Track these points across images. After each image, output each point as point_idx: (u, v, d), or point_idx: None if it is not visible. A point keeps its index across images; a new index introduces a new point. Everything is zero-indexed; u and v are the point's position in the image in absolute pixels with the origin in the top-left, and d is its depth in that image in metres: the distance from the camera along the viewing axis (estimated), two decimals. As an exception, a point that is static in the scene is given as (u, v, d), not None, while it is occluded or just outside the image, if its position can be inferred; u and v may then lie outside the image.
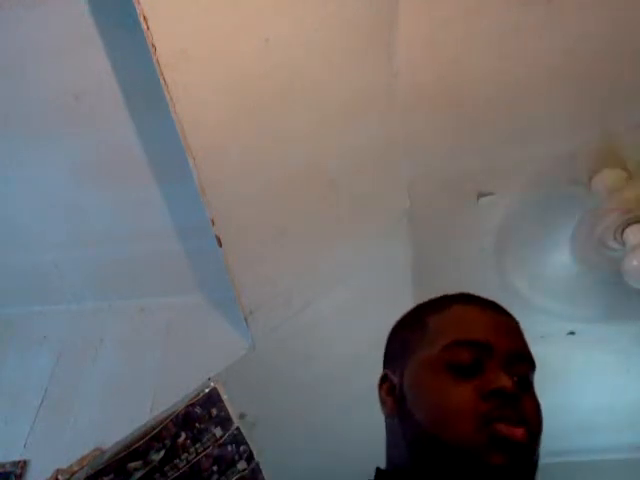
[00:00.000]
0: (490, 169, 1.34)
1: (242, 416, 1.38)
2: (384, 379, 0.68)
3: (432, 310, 0.67)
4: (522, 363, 0.61)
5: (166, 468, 1.26)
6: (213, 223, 1.14)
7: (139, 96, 1.19)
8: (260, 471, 1.42)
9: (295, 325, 1.38)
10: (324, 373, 1.49)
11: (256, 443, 1.41)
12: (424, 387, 0.61)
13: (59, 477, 1.14)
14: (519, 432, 0.54)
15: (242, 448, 1.38)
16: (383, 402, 0.67)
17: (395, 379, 0.66)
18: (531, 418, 0.57)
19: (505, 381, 0.56)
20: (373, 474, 0.64)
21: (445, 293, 0.70)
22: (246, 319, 1.29)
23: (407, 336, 0.68)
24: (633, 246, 1.19)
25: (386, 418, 0.67)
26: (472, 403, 0.56)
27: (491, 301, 0.68)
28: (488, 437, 0.54)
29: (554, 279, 1.53)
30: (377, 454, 0.69)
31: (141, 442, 1.23)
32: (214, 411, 1.33)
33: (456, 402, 0.56)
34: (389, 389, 0.66)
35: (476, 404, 0.56)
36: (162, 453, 1.25)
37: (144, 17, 0.90)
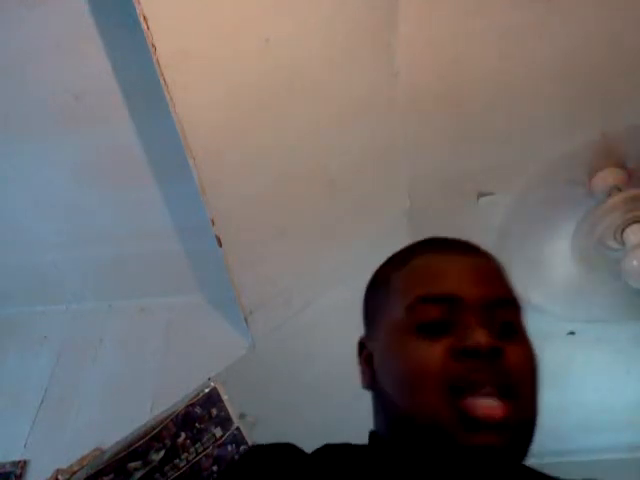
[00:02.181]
0: (490, 169, 1.34)
1: (242, 416, 1.38)
2: (361, 347, 0.61)
3: (393, 266, 0.59)
4: (503, 308, 0.52)
5: (166, 468, 1.26)
6: (213, 223, 1.14)
7: (139, 96, 1.19)
8: (260, 471, 1.42)
9: (295, 325, 1.38)
10: (324, 373, 1.49)
11: (256, 443, 1.41)
12: (391, 355, 0.53)
13: (59, 477, 1.14)
14: (497, 410, 0.46)
15: (242, 448, 1.38)
16: (362, 372, 0.60)
17: (370, 347, 0.59)
18: (518, 375, 0.48)
19: (479, 335, 0.48)
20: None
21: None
22: (246, 319, 1.29)
23: (374, 299, 0.61)
24: (633, 246, 1.19)
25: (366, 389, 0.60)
26: (440, 364, 0.48)
27: (459, 243, 0.59)
28: (459, 414, 0.46)
29: (554, 279, 1.53)
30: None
31: (141, 442, 1.23)
32: (214, 411, 1.33)
33: (422, 364, 0.49)
34: (367, 358, 0.59)
35: (445, 365, 0.48)
36: (162, 453, 1.25)
37: (144, 17, 0.90)
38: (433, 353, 0.49)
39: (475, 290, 0.52)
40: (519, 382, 0.48)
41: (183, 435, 1.29)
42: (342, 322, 1.45)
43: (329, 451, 0.55)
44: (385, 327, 0.56)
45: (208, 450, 1.32)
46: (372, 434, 0.58)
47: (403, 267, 0.57)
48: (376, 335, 0.58)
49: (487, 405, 0.46)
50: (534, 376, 0.51)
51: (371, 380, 0.57)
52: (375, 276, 0.63)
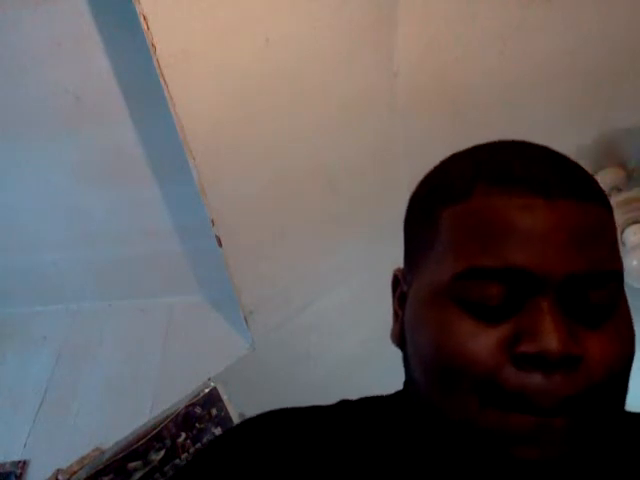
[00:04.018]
0: (490, 169, 1.34)
1: (242, 416, 1.38)
2: (396, 281, 0.48)
3: (447, 197, 0.41)
4: (597, 289, 0.36)
5: (166, 468, 1.26)
6: (213, 223, 1.14)
7: (139, 96, 1.19)
8: (260, 471, 1.42)
9: (295, 325, 1.38)
10: (324, 373, 1.49)
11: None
12: (424, 326, 0.40)
13: (59, 477, 1.14)
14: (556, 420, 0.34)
15: (242, 448, 1.38)
16: (394, 316, 0.47)
17: (405, 287, 0.46)
18: (597, 379, 0.35)
19: (549, 337, 0.34)
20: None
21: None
22: (246, 319, 1.29)
23: (416, 228, 0.44)
24: (633, 246, 1.19)
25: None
26: (491, 361, 0.35)
27: (550, 171, 0.38)
28: (502, 425, 0.35)
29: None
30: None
31: (141, 442, 1.23)
32: (214, 411, 1.33)
33: (468, 360, 0.36)
34: (400, 297, 0.46)
35: (497, 364, 0.35)
36: (162, 453, 1.25)
37: (144, 17, 0.90)
38: (484, 346, 0.36)
39: (559, 264, 0.35)
40: (598, 389, 0.35)
41: (183, 435, 1.29)
42: (342, 322, 1.46)
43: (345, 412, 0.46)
44: (425, 280, 0.41)
45: (208, 450, 1.32)
46: (406, 383, 0.47)
47: (459, 204, 0.39)
48: (413, 279, 0.43)
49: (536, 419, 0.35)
50: (625, 373, 0.37)
51: (399, 337, 0.45)
52: (422, 200, 0.45)
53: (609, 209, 0.41)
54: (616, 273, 0.38)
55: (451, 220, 0.40)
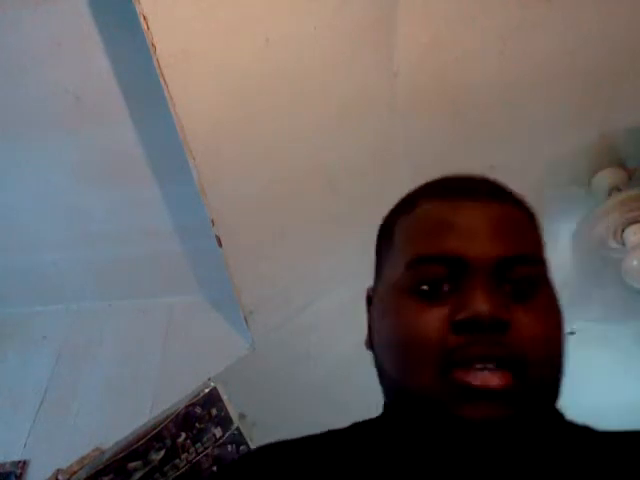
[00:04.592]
0: (490, 169, 1.34)
1: (242, 416, 1.38)
2: (369, 299, 0.55)
3: (398, 212, 0.52)
4: (521, 265, 0.45)
5: (166, 468, 1.26)
6: (213, 223, 1.14)
7: (139, 96, 1.19)
8: (260, 471, 1.42)
9: (295, 325, 1.38)
10: (324, 373, 1.49)
11: (256, 443, 1.41)
12: (385, 316, 0.47)
13: (59, 477, 1.14)
14: (493, 379, 0.40)
15: (242, 448, 1.38)
16: (367, 327, 0.54)
17: (372, 295, 0.54)
18: (526, 347, 0.42)
19: (480, 304, 0.41)
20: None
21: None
22: (246, 319, 1.29)
23: (379, 246, 0.55)
24: (633, 246, 1.19)
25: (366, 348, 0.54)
26: (439, 337, 0.42)
27: (476, 185, 0.50)
28: (452, 386, 0.41)
29: (554, 279, 1.53)
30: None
31: (141, 442, 1.23)
32: (214, 411, 1.33)
33: (419, 334, 0.43)
34: (369, 308, 0.54)
35: (443, 338, 0.42)
36: (162, 453, 1.25)
37: (144, 17, 0.90)
38: (430, 321, 0.43)
39: (486, 247, 0.44)
40: (528, 354, 0.41)
41: (183, 435, 1.29)
42: (342, 322, 1.45)
43: (324, 440, 0.52)
44: (384, 282, 0.50)
45: (208, 450, 1.32)
46: (385, 404, 0.53)
47: (407, 214, 0.50)
48: (377, 285, 0.52)
49: (483, 376, 0.41)
50: (553, 345, 0.44)
51: (369, 341, 0.52)
52: (383, 221, 0.56)
53: (530, 215, 0.51)
54: (536, 256, 0.48)
55: (401, 227, 0.50)
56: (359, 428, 0.53)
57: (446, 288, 0.44)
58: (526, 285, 0.45)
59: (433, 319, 0.43)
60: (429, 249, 0.46)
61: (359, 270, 1.42)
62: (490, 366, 0.41)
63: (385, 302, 0.48)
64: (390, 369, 0.47)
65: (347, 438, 0.51)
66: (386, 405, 0.52)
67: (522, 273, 0.45)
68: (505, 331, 0.41)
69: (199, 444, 1.31)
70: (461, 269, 0.44)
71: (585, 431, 0.50)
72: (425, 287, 0.45)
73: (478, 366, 0.41)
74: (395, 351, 0.46)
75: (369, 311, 0.54)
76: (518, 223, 0.48)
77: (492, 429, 0.40)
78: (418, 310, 0.44)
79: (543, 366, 0.43)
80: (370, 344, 0.52)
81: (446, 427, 0.42)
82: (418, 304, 0.44)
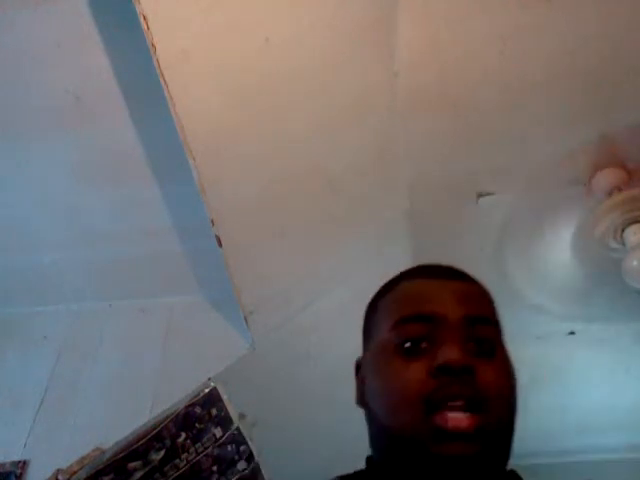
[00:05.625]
0: (490, 169, 1.34)
1: (242, 416, 1.38)
2: (357, 367, 0.65)
3: (382, 292, 0.64)
4: (481, 326, 0.55)
5: (166, 468, 1.26)
6: (213, 223, 1.14)
7: (139, 96, 1.19)
8: (260, 471, 1.42)
9: (295, 325, 1.38)
10: (324, 373, 1.49)
11: (256, 443, 1.41)
12: (376, 373, 0.57)
13: (59, 477, 1.14)
14: (463, 421, 0.49)
15: (242, 448, 1.38)
16: (356, 389, 0.64)
17: (363, 367, 0.64)
18: (488, 392, 0.51)
19: (451, 353, 0.51)
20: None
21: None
22: (246, 319, 1.29)
23: (366, 322, 0.66)
24: (633, 246, 1.19)
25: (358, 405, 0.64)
26: (419, 383, 0.51)
27: (444, 268, 0.63)
28: (431, 428, 0.50)
29: (554, 279, 1.53)
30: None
31: (141, 442, 1.23)
32: (214, 411, 1.33)
33: (404, 384, 0.52)
34: (358, 373, 0.64)
35: (423, 384, 0.51)
36: (162, 453, 1.25)
37: (144, 17, 0.90)
38: (413, 372, 0.52)
39: (456, 309, 0.55)
40: (490, 397, 0.51)
41: (183, 435, 1.29)
42: (342, 322, 1.45)
43: None
44: (373, 347, 0.60)
45: (208, 450, 1.32)
46: (368, 459, 0.61)
47: (390, 292, 0.62)
48: (367, 355, 0.62)
49: (455, 417, 0.49)
50: (508, 393, 0.54)
51: (361, 397, 0.61)
52: (369, 303, 0.67)
53: (487, 292, 0.62)
54: (493, 320, 0.59)
55: (386, 301, 0.62)
56: None
57: (424, 345, 0.54)
58: (487, 346, 0.55)
59: (414, 371, 0.52)
60: (410, 311, 0.56)
61: (359, 270, 1.43)
62: (459, 404, 0.50)
63: (375, 361, 0.58)
64: (381, 416, 0.55)
65: None
66: (369, 460, 0.60)
67: (483, 332, 0.55)
68: (472, 375, 0.51)
69: (199, 444, 1.31)
70: (436, 326, 0.54)
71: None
72: (408, 344, 0.54)
73: (451, 404, 0.49)
74: (386, 400, 0.55)
75: (357, 376, 0.64)
76: (478, 295, 0.60)
77: (464, 463, 0.49)
78: (403, 365, 0.54)
79: (502, 407, 0.52)
80: (361, 401, 0.61)
81: (428, 463, 0.50)
82: (402, 360, 0.54)
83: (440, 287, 0.58)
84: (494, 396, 0.51)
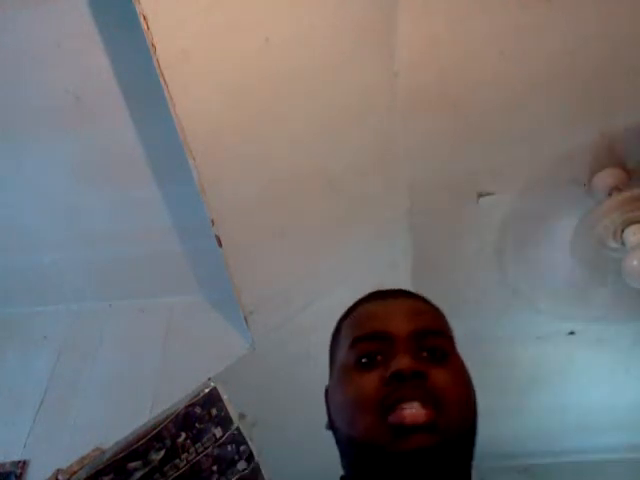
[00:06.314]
0: (490, 169, 1.34)
1: (242, 416, 1.38)
2: (326, 393, 0.69)
3: (343, 317, 0.69)
4: (431, 337, 0.60)
5: (166, 468, 1.26)
6: (213, 223, 1.14)
7: (139, 96, 1.19)
8: (260, 471, 1.42)
9: (295, 325, 1.38)
10: (324, 373, 1.49)
11: (256, 443, 1.41)
12: (338, 391, 0.61)
13: (59, 477, 1.14)
14: (421, 415, 0.52)
15: (242, 448, 1.38)
16: (327, 415, 0.67)
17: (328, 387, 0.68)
18: (442, 392, 0.54)
19: (402, 363, 0.55)
20: None
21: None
22: (246, 319, 1.29)
23: (330, 350, 0.71)
24: (633, 246, 1.19)
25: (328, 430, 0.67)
26: (374, 390, 0.55)
27: (396, 290, 0.68)
28: (389, 427, 0.52)
29: (554, 279, 1.53)
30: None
31: (141, 442, 1.23)
32: (214, 411, 1.33)
33: (360, 392, 0.56)
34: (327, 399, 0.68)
35: (378, 390, 0.55)
36: (162, 453, 1.25)
37: (144, 17, 0.90)
38: (367, 381, 0.56)
39: (403, 325, 0.59)
40: (444, 396, 0.54)
41: (183, 435, 1.29)
42: (342, 322, 1.45)
43: None
44: (335, 369, 0.64)
45: (208, 450, 1.32)
46: (340, 478, 0.63)
47: (348, 317, 0.67)
48: (332, 376, 0.66)
49: (412, 413, 0.52)
50: (463, 395, 0.57)
51: (329, 420, 0.64)
52: (334, 329, 0.72)
53: (437, 308, 0.67)
54: (443, 331, 0.63)
55: (345, 326, 0.66)
56: None
57: (379, 358, 0.58)
58: (439, 353, 0.58)
59: (370, 381, 0.56)
60: (364, 331, 0.61)
61: (359, 270, 1.43)
62: (415, 405, 0.52)
63: (337, 379, 0.62)
64: (344, 428, 0.58)
65: None
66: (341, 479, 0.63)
67: (434, 342, 0.59)
68: (424, 379, 0.54)
69: (199, 444, 1.31)
70: (389, 342, 0.58)
71: None
72: (364, 360, 0.58)
73: (405, 406, 0.52)
74: (346, 411, 0.58)
75: (326, 401, 0.66)
76: (427, 311, 0.65)
77: (426, 455, 0.51)
78: (359, 377, 0.58)
79: (458, 405, 0.55)
80: (330, 425, 0.64)
81: (390, 464, 0.52)
82: (359, 373, 0.58)
83: (391, 306, 0.63)
84: (448, 396, 0.54)
